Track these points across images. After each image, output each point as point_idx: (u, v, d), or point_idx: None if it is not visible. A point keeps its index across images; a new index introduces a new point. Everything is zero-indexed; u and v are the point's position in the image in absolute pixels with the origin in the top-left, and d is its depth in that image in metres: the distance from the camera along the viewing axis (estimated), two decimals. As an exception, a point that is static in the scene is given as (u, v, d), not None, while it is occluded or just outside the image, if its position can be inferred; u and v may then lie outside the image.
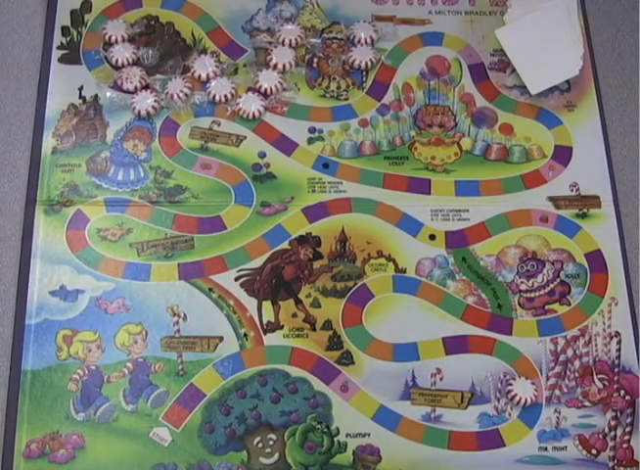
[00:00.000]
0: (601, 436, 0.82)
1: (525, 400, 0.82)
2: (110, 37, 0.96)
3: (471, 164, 0.93)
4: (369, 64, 0.96)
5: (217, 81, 0.94)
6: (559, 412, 0.82)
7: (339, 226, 0.89)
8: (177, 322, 0.83)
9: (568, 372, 0.84)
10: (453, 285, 0.87)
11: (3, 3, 0.99)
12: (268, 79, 0.94)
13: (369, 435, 0.81)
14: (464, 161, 0.93)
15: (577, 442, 0.82)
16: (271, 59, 0.96)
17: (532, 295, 0.87)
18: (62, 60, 0.96)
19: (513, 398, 0.82)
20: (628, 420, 0.83)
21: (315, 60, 0.98)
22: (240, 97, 0.94)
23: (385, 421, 0.81)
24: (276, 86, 0.94)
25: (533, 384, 0.83)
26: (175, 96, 0.93)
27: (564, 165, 0.94)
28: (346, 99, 0.95)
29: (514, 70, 0.97)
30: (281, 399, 0.81)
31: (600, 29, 1.02)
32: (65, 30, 0.97)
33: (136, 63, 0.95)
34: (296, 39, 0.97)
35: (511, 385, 0.82)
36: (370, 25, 0.98)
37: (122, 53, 0.95)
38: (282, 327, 0.84)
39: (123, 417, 0.80)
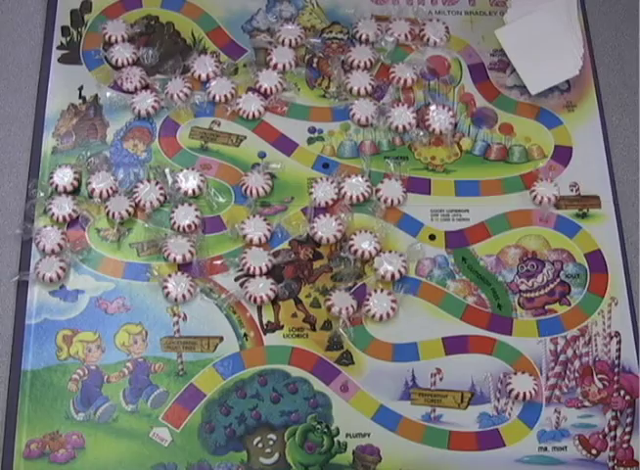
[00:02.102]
0: (601, 436, 0.82)
1: (524, 395, 0.81)
2: (110, 37, 0.96)
3: (471, 164, 0.93)
4: (368, 64, 0.96)
5: (217, 81, 0.94)
6: (559, 412, 0.82)
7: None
8: (177, 322, 0.83)
9: (568, 372, 0.84)
10: (453, 285, 0.87)
11: (3, 3, 0.99)
12: (268, 79, 0.94)
13: (369, 435, 0.81)
14: (464, 161, 0.93)
15: (577, 442, 0.82)
16: (271, 59, 0.96)
17: (532, 295, 0.87)
18: (62, 60, 0.96)
19: (511, 392, 0.82)
20: (628, 420, 0.83)
21: (315, 60, 0.98)
22: (240, 97, 0.94)
23: (385, 421, 0.81)
24: (276, 86, 0.94)
25: (533, 378, 0.82)
26: (175, 96, 0.93)
27: (564, 165, 0.94)
28: (346, 99, 0.95)
29: (514, 71, 0.97)
30: (281, 399, 0.81)
31: (600, 29, 1.02)
32: (65, 30, 0.97)
33: (136, 63, 0.95)
34: (295, 39, 0.97)
35: (510, 379, 0.82)
36: (374, 23, 0.98)
37: (122, 53, 0.95)
38: (282, 327, 0.84)
39: (123, 417, 0.80)
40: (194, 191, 0.88)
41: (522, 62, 0.96)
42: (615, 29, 1.02)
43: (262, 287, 0.84)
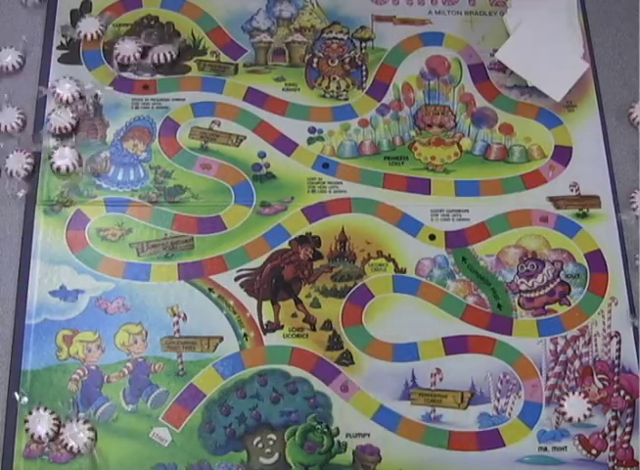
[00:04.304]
0: (601, 436, 0.82)
1: (579, 419, 0.81)
2: (85, 36, 0.96)
3: (471, 164, 0.93)
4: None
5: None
6: (559, 412, 0.82)
7: (338, 226, 0.89)
8: (177, 322, 0.83)
9: (568, 372, 0.84)
10: (453, 285, 0.87)
11: (3, 3, 0.99)
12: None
13: (369, 435, 0.81)
14: (464, 161, 0.93)
15: (577, 442, 0.82)
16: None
17: (532, 295, 0.87)
18: (62, 60, 0.96)
19: (563, 414, 0.81)
20: (628, 420, 0.83)
21: (315, 60, 0.98)
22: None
23: (385, 421, 0.81)
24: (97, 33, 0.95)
25: (587, 401, 0.82)
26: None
27: (564, 165, 0.94)
28: (346, 99, 0.95)
29: (513, 71, 0.97)
30: (281, 400, 0.81)
31: (600, 29, 1.02)
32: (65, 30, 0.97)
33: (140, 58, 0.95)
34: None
35: (564, 400, 0.82)
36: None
37: (126, 49, 0.95)
38: (282, 327, 0.84)
39: (123, 417, 0.80)
40: (67, 168, 0.88)
41: (533, 75, 0.95)
42: (615, 29, 1.02)
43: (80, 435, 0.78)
